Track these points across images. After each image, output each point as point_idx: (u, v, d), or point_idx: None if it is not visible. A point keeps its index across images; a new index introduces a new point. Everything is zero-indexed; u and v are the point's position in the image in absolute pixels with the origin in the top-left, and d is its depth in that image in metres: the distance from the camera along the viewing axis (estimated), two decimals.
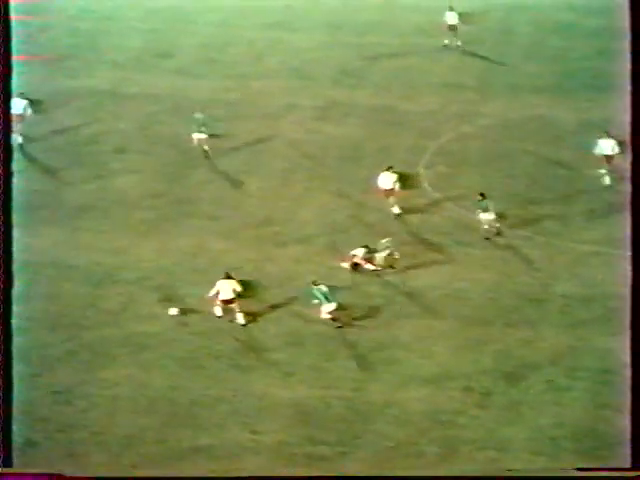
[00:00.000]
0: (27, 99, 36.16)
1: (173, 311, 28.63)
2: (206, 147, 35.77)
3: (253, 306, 28.69)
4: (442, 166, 35.99)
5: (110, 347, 27.23)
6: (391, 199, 32.90)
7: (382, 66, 44.05)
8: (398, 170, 34.33)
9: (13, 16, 45.31)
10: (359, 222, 32.84)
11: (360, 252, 30.45)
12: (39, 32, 46.04)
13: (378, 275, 30.10)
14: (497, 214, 31.72)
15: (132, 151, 36.54)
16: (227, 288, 28.21)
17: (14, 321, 27.75)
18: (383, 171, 33.04)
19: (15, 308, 28.33)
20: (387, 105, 40.79)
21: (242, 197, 34.23)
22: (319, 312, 28.20)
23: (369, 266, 30.23)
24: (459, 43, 44.64)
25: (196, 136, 35.70)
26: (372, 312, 28.57)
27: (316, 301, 28.33)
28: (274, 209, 33.54)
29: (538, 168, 35.76)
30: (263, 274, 30.17)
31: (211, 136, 36.22)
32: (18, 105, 35.96)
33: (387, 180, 32.93)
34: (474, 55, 44.23)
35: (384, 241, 30.45)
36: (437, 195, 34.31)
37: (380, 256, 30.28)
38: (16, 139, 35.73)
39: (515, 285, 29.64)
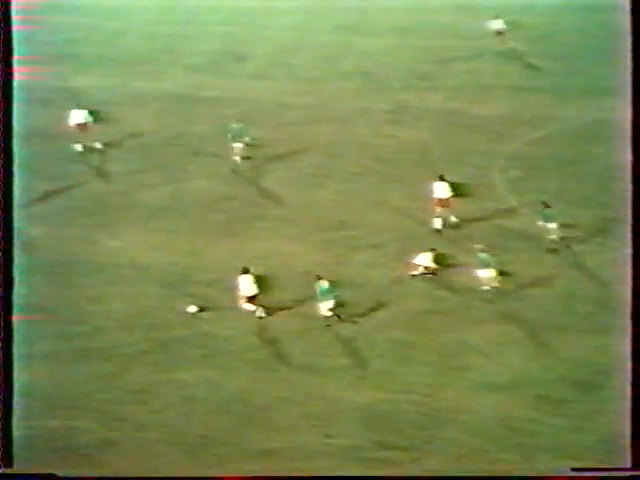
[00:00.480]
0: (88, 109, 36.86)
1: (192, 309, 28.91)
2: (237, 158, 35.83)
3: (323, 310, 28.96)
4: (515, 171, 35.88)
5: (185, 348, 27.62)
6: (440, 210, 32.62)
7: (453, 69, 44.00)
8: (470, 174, 34.37)
9: (89, 20, 46.17)
10: (431, 228, 32.89)
11: (426, 257, 30.45)
12: (117, 37, 46.81)
13: (452, 281, 30.19)
14: (565, 224, 31.41)
15: (208, 154, 36.95)
16: (249, 283, 28.61)
17: (92, 322, 28.47)
18: (436, 180, 32.86)
19: (93, 308, 29.06)
20: (458, 109, 40.74)
21: (315, 200, 34.46)
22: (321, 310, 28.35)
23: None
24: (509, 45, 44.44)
25: (235, 146, 35.84)
26: (446, 317, 28.64)
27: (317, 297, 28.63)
28: (347, 213, 33.72)
29: (611, 172, 35.51)
30: (335, 278, 30.37)
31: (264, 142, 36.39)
32: (78, 115, 36.59)
33: (442, 189, 32.81)
34: (544, 58, 43.95)
35: (478, 246, 30.23)
36: (511, 200, 34.24)
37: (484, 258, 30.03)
38: (77, 147, 36.48)
39: (588, 291, 29.51)
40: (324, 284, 28.61)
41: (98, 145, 36.71)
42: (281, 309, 29.05)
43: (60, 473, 22.81)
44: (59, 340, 27.76)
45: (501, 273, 29.58)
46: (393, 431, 24.71)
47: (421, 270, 30.33)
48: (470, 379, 26.32)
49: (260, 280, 30.06)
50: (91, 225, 32.70)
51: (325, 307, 28.50)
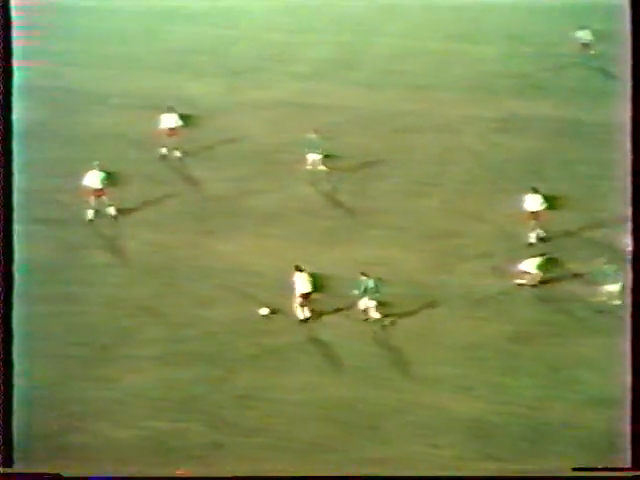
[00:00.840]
0: (178, 113, 37.40)
1: (264, 311, 29.07)
2: (322, 167, 35.81)
3: (435, 317, 28.88)
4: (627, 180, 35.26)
5: (293, 353, 27.84)
6: (533, 223, 32.24)
7: (563, 76, 43.56)
8: (579, 183, 34.03)
9: (201, 28, 46.76)
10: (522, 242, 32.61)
11: (532, 263, 30.09)
12: (229, 45, 47.45)
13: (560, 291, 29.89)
14: None
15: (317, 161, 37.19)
16: (303, 282, 28.87)
17: (202, 326, 28.88)
18: (529, 193, 32.44)
19: (202, 312, 29.50)
20: (569, 117, 40.32)
21: (424, 208, 34.44)
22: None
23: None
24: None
25: (311, 157, 35.86)
26: (554, 329, 28.36)
27: (356, 292, 28.59)
28: (455, 221, 33.63)
29: None
30: (443, 286, 30.34)
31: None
32: (169, 120, 37.07)
33: (533, 202, 32.38)
34: None
35: (602, 259, 29.90)
36: (622, 210, 33.72)
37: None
38: (162, 151, 37.06)
39: None
40: (369, 281, 28.86)
41: (178, 154, 37.15)
42: (387, 315, 29.07)
43: (65, 473, 23.02)
44: (169, 343, 28.20)
45: None
46: (500, 443, 24.54)
47: (528, 279, 30.05)
48: (580, 392, 26.02)
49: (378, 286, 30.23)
50: (201, 230, 33.20)
51: (365, 304, 28.90)
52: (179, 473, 23.53)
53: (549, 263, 30.45)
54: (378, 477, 23.38)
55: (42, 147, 37.59)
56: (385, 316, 28.95)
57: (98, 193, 33.59)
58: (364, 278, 28.97)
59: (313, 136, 35.92)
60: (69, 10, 49.89)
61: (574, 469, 22.94)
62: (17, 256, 30.96)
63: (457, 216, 33.91)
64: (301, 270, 29.13)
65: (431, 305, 29.45)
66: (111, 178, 34.15)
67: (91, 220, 33.50)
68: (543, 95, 42.02)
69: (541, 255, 30.34)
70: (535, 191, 32.54)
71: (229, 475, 23.17)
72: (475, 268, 31.22)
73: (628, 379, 26.08)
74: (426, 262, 31.52)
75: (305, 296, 28.95)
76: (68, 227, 33.22)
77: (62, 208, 34.02)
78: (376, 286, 28.93)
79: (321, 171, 35.76)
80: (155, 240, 32.64)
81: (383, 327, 28.75)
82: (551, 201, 33.01)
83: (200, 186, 35.89)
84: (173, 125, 37.21)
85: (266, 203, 34.78)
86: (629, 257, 29.88)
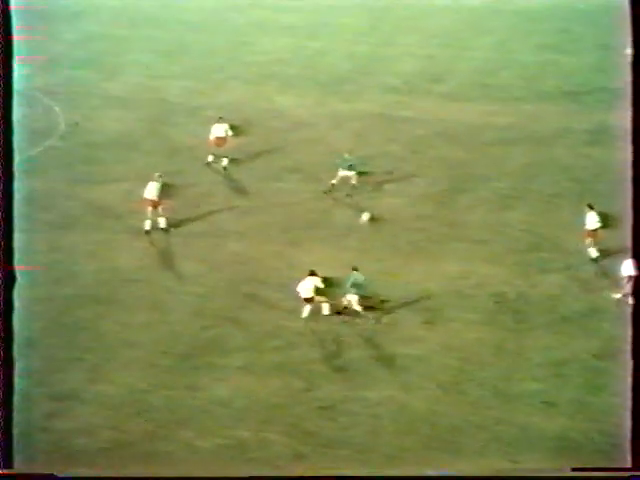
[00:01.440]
0: (229, 124, 37.76)
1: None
2: (354, 182, 35.59)
3: (518, 333, 28.67)
4: None
5: (373, 367, 27.78)
6: (589, 240, 31.82)
7: None
8: None
9: (293, 40, 47.07)
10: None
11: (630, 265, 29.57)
12: (318, 56, 47.74)
13: None
14: None
15: (403, 173, 37.19)
16: (309, 286, 29.19)
17: (286, 336, 29.01)
18: (588, 211, 32.06)
19: (286, 323, 29.66)
20: None
21: (509, 221, 34.16)
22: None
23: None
24: None
25: (342, 173, 35.57)
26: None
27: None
28: (540, 234, 33.30)
29: None
30: (528, 300, 30.07)
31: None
32: (219, 129, 37.46)
33: (591, 220, 31.93)
34: None
35: None
36: None
37: None
38: (211, 160, 37.52)
39: None
40: (359, 276, 29.35)
41: (225, 162, 37.50)
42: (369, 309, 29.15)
43: (60, 473, 23.20)
44: (253, 352, 28.41)
45: None
46: (583, 460, 24.18)
47: (625, 291, 29.50)
48: None
49: (451, 301, 30.01)
50: (287, 242, 33.40)
51: (351, 299, 29.38)
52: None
53: None
54: (381, 477, 23.21)
55: (130, 157, 38.36)
56: (367, 308, 29.33)
57: (155, 204, 33.90)
58: (355, 273, 29.46)
59: (348, 157, 35.71)
60: (157, 23, 50.83)
61: (573, 469, 22.67)
62: (101, 264, 31.72)
63: (544, 229, 33.56)
64: (314, 274, 29.51)
65: (514, 320, 29.19)
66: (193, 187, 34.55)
67: (147, 231, 33.82)
68: (635, 106, 41.27)
69: None
70: (591, 207, 32.10)
71: (246, 475, 23.40)
72: (561, 281, 30.88)
73: None
74: (511, 275, 31.24)
75: (307, 300, 29.36)
76: (146, 237, 33.69)
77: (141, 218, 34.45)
78: (364, 282, 29.43)
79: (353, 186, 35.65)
80: (239, 250, 32.92)
81: (372, 324, 29.07)
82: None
83: (286, 198, 36.11)
84: (223, 134, 37.55)
85: (350, 215, 34.83)
86: None
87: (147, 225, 33.89)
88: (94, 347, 28.21)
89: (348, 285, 29.59)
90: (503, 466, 24.20)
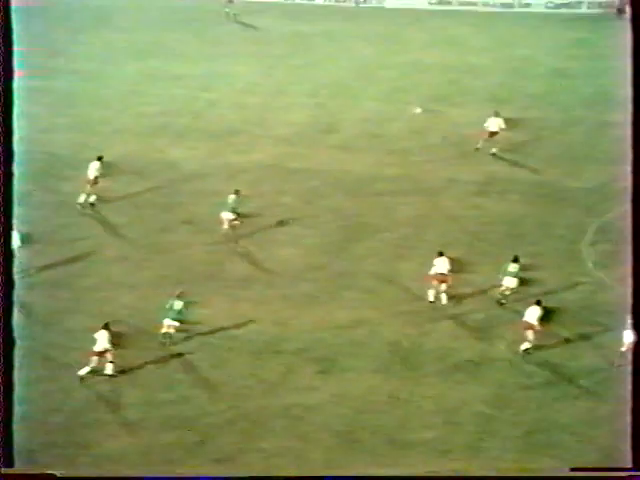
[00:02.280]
0: None
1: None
2: (229, 225, 36.05)
3: (411, 381, 28.91)
4: (606, 244, 35.46)
5: (269, 417, 27.73)
6: (443, 285, 32.40)
7: (546, 141, 43.90)
8: (558, 247, 34.35)
9: (184, 91, 47.02)
10: (519, 299, 32.71)
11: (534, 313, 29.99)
12: (209, 106, 47.78)
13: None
14: None
15: (295, 224, 37.39)
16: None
17: (180, 390, 28.78)
18: (437, 256, 32.78)
19: (180, 376, 29.41)
20: (549, 181, 40.61)
21: (400, 272, 34.50)
22: None
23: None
24: None
25: (225, 216, 36.08)
26: (533, 393, 28.32)
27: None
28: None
29: None
30: (420, 348, 30.41)
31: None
32: (92, 169, 38.06)
33: (441, 265, 32.60)
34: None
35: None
36: (599, 274, 33.95)
37: None
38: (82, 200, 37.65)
39: None
40: (178, 302, 30.45)
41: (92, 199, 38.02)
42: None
43: (59, 473, 22.94)
44: (147, 407, 28.08)
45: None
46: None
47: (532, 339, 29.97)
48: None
49: (345, 350, 30.15)
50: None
51: (168, 324, 30.32)
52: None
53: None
54: (384, 477, 23.18)
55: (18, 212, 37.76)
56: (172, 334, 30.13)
57: None
58: (175, 299, 30.42)
59: (233, 197, 36.28)
60: (45, 73, 50.17)
61: (572, 469, 22.88)
62: None
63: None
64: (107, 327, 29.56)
65: (407, 368, 29.47)
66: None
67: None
68: (523, 160, 42.28)
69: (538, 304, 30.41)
70: (441, 254, 32.82)
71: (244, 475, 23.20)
72: (451, 330, 31.29)
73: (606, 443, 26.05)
74: (402, 324, 31.54)
75: (100, 354, 29.08)
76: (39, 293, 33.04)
77: None
78: (183, 310, 30.34)
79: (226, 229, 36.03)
80: (131, 303, 32.58)
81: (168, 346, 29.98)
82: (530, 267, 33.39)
83: (178, 250, 35.93)
84: (94, 175, 38.19)
85: (245, 266, 34.87)
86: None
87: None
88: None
89: (167, 309, 30.33)
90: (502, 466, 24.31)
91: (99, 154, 39.52)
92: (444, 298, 32.41)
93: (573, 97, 47.94)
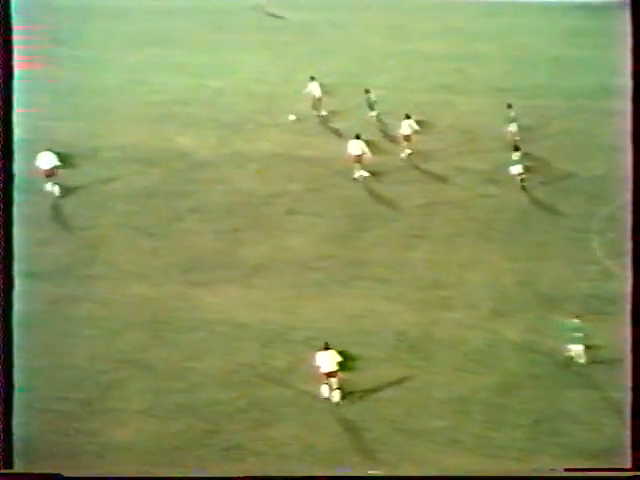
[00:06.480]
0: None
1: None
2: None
3: (420, 370, 29.02)
4: (613, 232, 35.50)
5: (278, 406, 27.83)
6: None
7: (551, 129, 43.90)
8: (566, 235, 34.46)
9: (193, 79, 47.02)
10: (528, 288, 32.78)
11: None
12: (217, 95, 47.85)
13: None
14: None
15: (304, 213, 37.45)
16: (328, 360, 28.03)
17: (190, 378, 28.87)
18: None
19: (190, 364, 29.50)
20: (555, 168, 40.63)
21: (411, 260, 34.59)
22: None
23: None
24: None
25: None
26: (539, 382, 28.42)
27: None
28: (442, 273, 33.78)
29: None
30: (429, 337, 30.46)
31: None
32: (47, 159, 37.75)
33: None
34: None
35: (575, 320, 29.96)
36: (608, 262, 33.98)
37: None
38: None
39: None
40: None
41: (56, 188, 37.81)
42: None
43: (65, 473, 23.04)
44: (156, 395, 28.17)
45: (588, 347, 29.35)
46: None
47: None
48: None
49: (353, 339, 30.19)
50: (190, 282, 33.27)
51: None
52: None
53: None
54: (382, 477, 23.28)
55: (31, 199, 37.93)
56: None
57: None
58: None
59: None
60: (47, 61, 50.12)
61: (566, 469, 22.96)
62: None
63: (444, 268, 34.03)
64: (328, 348, 28.25)
65: (416, 357, 29.51)
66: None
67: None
68: (530, 147, 42.28)
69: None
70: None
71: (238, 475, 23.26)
72: (462, 319, 31.35)
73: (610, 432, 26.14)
74: (412, 313, 31.60)
75: (329, 375, 28.10)
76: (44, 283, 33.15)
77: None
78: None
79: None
80: (143, 292, 32.69)
81: None
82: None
83: (188, 238, 36.03)
84: (51, 165, 37.90)
85: (255, 255, 34.94)
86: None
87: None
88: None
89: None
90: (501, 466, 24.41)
91: (105, 141, 39.63)
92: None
93: (576, 85, 47.94)
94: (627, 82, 28.33)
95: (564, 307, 31.27)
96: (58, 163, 38.07)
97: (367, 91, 44.23)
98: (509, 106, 42.99)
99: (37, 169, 37.75)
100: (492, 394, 28.08)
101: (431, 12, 59.21)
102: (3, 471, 22.90)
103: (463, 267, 34.01)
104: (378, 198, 38.33)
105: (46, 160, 37.88)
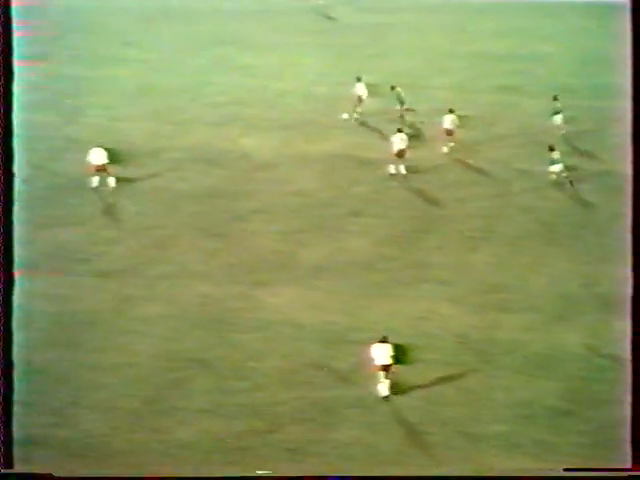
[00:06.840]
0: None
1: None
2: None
3: (481, 373, 28.91)
4: None
5: (340, 407, 27.88)
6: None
7: (615, 131, 43.48)
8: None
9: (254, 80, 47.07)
10: (591, 292, 32.53)
11: None
12: (279, 96, 48.07)
13: None
14: None
15: (367, 215, 37.50)
16: (383, 353, 28.11)
17: (252, 377, 29.04)
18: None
19: (252, 364, 29.68)
20: (618, 171, 40.22)
21: (474, 262, 34.49)
22: None
23: None
24: None
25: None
26: (604, 386, 28.21)
27: None
28: (505, 275, 33.63)
29: None
30: (490, 340, 30.36)
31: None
32: (98, 155, 38.49)
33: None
34: None
35: None
36: None
37: None
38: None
39: None
40: None
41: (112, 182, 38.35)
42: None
43: (57, 473, 23.21)
44: (220, 395, 28.38)
45: None
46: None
47: None
48: None
49: (415, 341, 30.15)
50: (252, 283, 33.48)
51: None
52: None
53: None
54: (382, 477, 23.22)
55: (92, 199, 38.29)
56: None
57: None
58: None
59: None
60: (117, 63, 50.86)
61: (565, 469, 22.83)
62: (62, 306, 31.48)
63: (508, 270, 33.90)
64: (384, 341, 28.35)
65: (478, 360, 29.46)
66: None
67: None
68: (595, 150, 41.94)
69: None
70: None
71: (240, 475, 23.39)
72: (524, 323, 31.18)
73: None
74: (473, 316, 31.50)
75: (385, 368, 28.19)
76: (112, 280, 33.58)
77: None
78: None
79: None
80: (207, 292, 32.94)
81: None
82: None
83: (250, 239, 36.25)
84: (103, 162, 38.71)
85: (317, 256, 35.03)
86: None
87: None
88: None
89: None
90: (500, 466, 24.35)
91: (170, 142, 40.03)
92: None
93: None
94: None
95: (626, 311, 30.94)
96: (107, 161, 38.86)
97: (393, 87, 44.10)
98: (555, 98, 42.63)
99: (89, 164, 38.62)
100: (555, 398, 27.88)
101: (495, 13, 58.93)
102: (3, 471, 23.13)
103: (525, 270, 33.86)
104: (438, 200, 38.28)
105: (97, 156, 38.69)
